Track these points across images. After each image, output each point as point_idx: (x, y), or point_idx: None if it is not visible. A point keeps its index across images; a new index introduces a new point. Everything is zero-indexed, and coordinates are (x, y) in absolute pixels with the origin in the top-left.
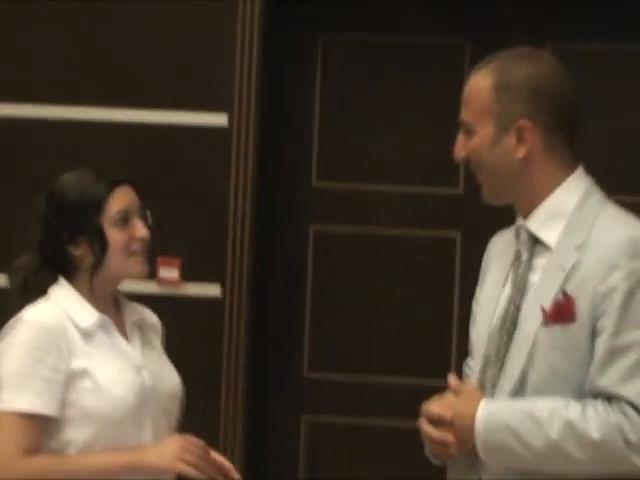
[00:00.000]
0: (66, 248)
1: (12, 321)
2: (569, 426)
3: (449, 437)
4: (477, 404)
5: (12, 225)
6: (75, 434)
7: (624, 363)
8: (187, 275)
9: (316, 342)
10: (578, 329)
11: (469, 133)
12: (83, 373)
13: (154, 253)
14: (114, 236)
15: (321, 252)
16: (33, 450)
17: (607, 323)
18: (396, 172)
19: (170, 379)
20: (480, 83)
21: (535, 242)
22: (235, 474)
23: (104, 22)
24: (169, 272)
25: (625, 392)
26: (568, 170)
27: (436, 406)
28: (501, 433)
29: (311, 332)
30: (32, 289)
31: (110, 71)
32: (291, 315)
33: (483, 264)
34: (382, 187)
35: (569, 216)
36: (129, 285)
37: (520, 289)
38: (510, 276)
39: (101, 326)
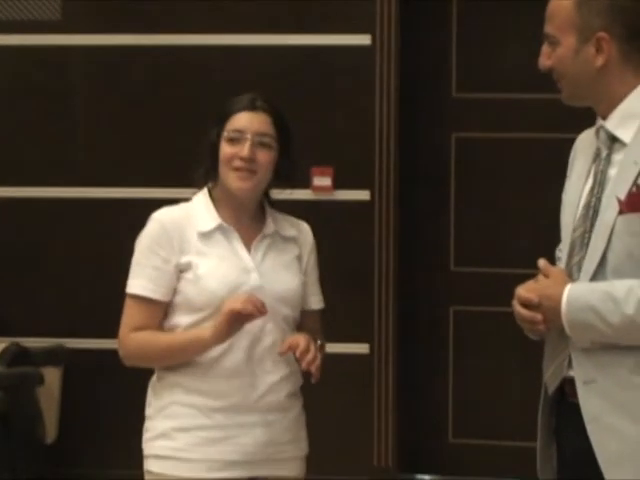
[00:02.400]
0: (204, 157)
1: None
2: None
3: (537, 317)
4: (563, 287)
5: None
6: (180, 319)
7: None
8: (339, 182)
9: (461, 239)
10: None
11: (553, 44)
12: (188, 266)
13: (309, 164)
14: (223, 149)
15: (462, 157)
16: (143, 329)
17: None
18: (529, 81)
19: (283, 284)
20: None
21: (613, 140)
22: (316, 373)
23: None
24: (323, 180)
25: None
26: None
27: (524, 290)
28: (584, 312)
29: (456, 230)
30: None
31: None
32: (437, 215)
33: (570, 160)
34: (517, 95)
35: None
36: (287, 194)
37: (600, 182)
38: (592, 171)
39: (221, 231)
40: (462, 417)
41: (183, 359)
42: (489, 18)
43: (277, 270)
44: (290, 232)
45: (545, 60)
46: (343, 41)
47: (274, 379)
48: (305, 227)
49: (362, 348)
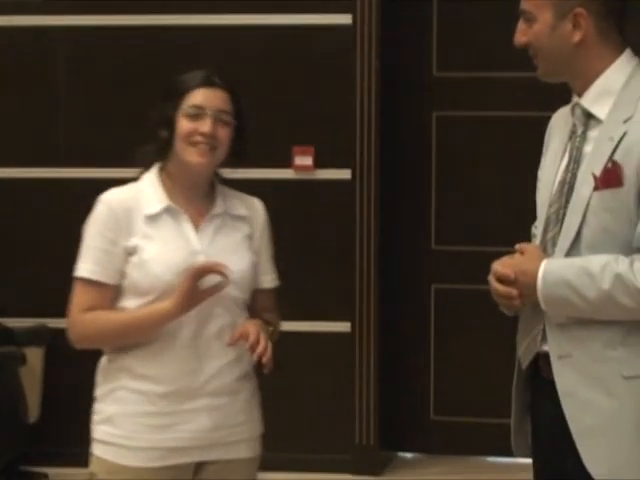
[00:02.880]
0: (156, 131)
1: None
2: (619, 278)
3: (513, 292)
4: (539, 263)
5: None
6: (127, 302)
7: None
8: (320, 162)
9: (442, 217)
10: (625, 193)
11: (529, 21)
12: (135, 250)
13: (290, 143)
14: (182, 125)
15: (443, 136)
16: (93, 310)
17: None
18: (510, 59)
19: (232, 266)
20: None
21: (588, 117)
22: (267, 364)
23: None
24: (304, 160)
25: None
26: (617, 52)
27: (501, 265)
28: (559, 287)
29: (437, 208)
30: (140, 173)
31: None
32: (417, 193)
33: (546, 137)
34: (497, 74)
35: (617, 93)
36: (268, 173)
37: (576, 159)
38: (567, 147)
39: (169, 213)
40: (443, 394)
41: (141, 336)
42: None
43: (226, 252)
44: (240, 211)
45: (521, 37)
46: (324, 21)
47: (221, 363)
48: (257, 204)
49: (344, 327)
